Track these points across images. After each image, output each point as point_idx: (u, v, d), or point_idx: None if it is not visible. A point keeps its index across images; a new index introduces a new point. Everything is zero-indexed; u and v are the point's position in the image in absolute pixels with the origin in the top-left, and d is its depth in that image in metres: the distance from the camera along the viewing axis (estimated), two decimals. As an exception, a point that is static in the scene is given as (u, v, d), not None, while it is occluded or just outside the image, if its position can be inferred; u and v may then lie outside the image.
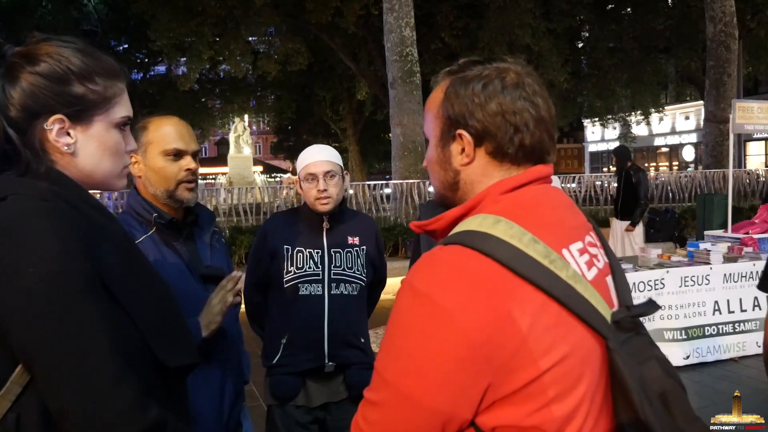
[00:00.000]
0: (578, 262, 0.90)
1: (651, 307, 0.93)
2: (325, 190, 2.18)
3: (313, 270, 2.20)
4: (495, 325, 0.80)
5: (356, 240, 2.29)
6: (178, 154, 1.73)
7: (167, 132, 1.74)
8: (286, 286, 2.19)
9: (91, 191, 1.08)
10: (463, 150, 0.97)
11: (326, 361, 2.18)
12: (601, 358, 0.86)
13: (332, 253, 2.23)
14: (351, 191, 10.93)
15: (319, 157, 2.23)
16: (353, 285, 2.24)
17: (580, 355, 0.85)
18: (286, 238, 2.24)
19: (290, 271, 2.20)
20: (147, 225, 1.72)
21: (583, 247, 0.94)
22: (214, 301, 1.68)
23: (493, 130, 0.94)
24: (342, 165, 2.29)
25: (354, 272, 2.25)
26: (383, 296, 2.58)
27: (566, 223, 0.95)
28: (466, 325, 0.80)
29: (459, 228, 0.91)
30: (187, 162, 1.74)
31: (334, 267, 2.22)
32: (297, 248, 2.22)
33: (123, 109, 1.09)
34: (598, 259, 0.97)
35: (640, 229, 7.65)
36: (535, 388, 0.81)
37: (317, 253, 2.22)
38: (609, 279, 0.98)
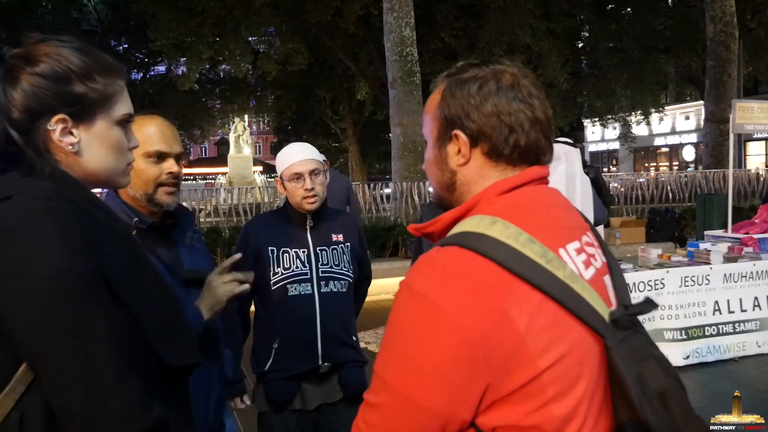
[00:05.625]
0: (575, 262, 0.90)
1: (648, 305, 0.93)
2: (312, 189, 2.17)
3: (301, 269, 2.18)
4: (492, 324, 0.81)
5: (340, 237, 2.29)
6: (160, 156, 1.65)
7: (150, 133, 1.63)
8: (274, 288, 2.16)
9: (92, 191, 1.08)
10: (459, 150, 0.97)
11: (321, 362, 2.15)
12: (600, 357, 0.87)
13: (318, 251, 2.22)
14: (351, 191, 10.91)
15: (303, 155, 2.21)
16: (342, 282, 2.23)
17: (579, 354, 0.85)
18: (270, 239, 2.22)
19: (277, 273, 2.17)
20: None
21: (580, 247, 0.94)
22: (216, 282, 1.62)
23: (488, 130, 0.94)
24: (321, 160, 2.28)
25: (341, 269, 2.24)
26: (384, 297, 2.58)
27: (563, 223, 0.95)
28: (464, 326, 0.80)
29: (456, 229, 0.91)
30: (170, 165, 1.66)
31: (321, 265, 2.20)
32: (282, 249, 2.20)
33: (124, 106, 1.09)
34: (596, 259, 0.97)
35: None
36: (534, 387, 0.81)
37: (303, 252, 2.20)
38: (607, 278, 0.98)
